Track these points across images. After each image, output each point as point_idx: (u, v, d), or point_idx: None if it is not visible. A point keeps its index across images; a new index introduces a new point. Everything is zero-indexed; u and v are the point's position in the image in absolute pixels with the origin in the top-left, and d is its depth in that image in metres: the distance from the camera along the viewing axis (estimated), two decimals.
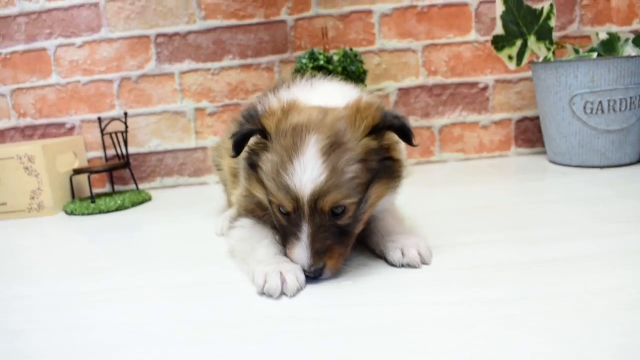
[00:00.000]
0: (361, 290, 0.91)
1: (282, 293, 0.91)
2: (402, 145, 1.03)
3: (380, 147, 0.97)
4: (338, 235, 0.95)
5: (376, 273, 0.98)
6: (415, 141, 0.99)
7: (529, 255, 0.99)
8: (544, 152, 1.93)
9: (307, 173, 0.89)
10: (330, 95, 1.04)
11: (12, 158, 1.80)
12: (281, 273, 0.92)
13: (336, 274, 0.97)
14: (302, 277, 0.93)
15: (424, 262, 0.99)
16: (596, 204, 1.30)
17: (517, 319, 0.75)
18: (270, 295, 0.90)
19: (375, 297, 0.88)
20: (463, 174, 1.83)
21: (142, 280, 1.09)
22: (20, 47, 2.06)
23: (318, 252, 0.93)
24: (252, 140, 1.01)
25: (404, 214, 1.19)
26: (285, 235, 0.98)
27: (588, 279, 0.87)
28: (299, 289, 0.92)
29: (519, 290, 0.84)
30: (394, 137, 1.00)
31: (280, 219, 0.98)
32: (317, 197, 0.90)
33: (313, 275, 0.94)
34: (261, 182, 0.99)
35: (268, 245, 1.02)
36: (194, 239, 1.35)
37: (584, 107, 1.66)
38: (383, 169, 0.97)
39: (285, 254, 0.99)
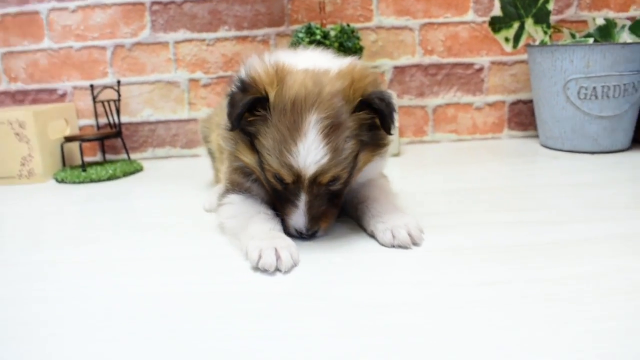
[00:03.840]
0: (352, 268, 0.92)
1: (277, 269, 0.92)
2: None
3: (370, 119, 1.00)
4: (330, 199, 1.02)
5: (368, 252, 0.99)
6: (392, 131, 1.02)
7: (516, 239, 1.01)
8: (537, 136, 1.94)
9: (311, 156, 0.94)
10: (315, 59, 1.05)
11: (3, 123, 1.78)
12: (276, 249, 0.93)
13: (329, 231, 1.06)
14: (296, 254, 0.95)
15: (414, 243, 1.00)
16: (585, 190, 1.32)
17: (502, 302, 0.77)
18: (265, 271, 0.91)
19: (365, 276, 0.89)
20: (455, 155, 1.84)
21: (131, 252, 1.09)
22: (13, 9, 2.02)
23: (314, 217, 1.00)
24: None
25: (396, 192, 1.20)
26: (280, 200, 1.03)
27: (572, 264, 0.89)
28: (293, 266, 0.93)
29: (505, 274, 0.86)
30: None
31: (275, 184, 1.01)
32: (318, 174, 0.96)
33: (309, 237, 1.03)
34: (252, 148, 1.01)
35: (261, 221, 1.03)
36: (185, 212, 1.35)
37: (578, 93, 1.66)
38: (370, 138, 1.02)
39: (282, 222, 1.04)
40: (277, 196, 1.03)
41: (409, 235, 0.99)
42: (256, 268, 0.92)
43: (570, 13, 1.97)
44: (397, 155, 1.84)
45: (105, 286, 0.92)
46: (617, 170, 1.51)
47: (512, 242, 0.99)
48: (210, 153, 1.51)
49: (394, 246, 0.99)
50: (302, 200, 0.99)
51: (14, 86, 2.08)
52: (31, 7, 2.01)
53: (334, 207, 1.04)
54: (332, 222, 1.06)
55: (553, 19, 1.95)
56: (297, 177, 0.96)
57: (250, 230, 1.00)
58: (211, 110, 1.93)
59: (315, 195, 0.99)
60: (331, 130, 0.94)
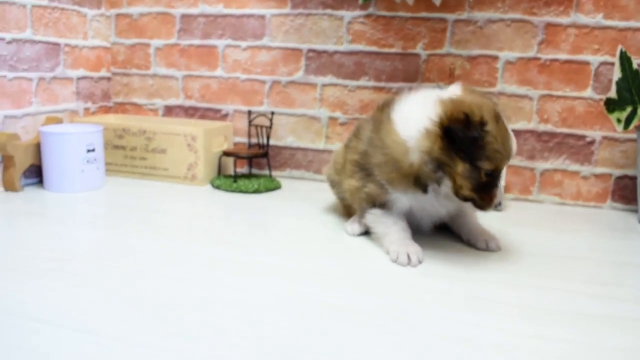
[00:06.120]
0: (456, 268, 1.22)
1: (408, 265, 1.41)
2: None
3: None
4: None
5: (464, 255, 1.28)
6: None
7: (568, 305, 1.21)
8: (637, 211, 2.07)
9: (514, 145, 1.41)
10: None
11: (180, 135, 2.25)
12: (408, 254, 1.42)
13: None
14: (421, 256, 1.44)
15: (498, 249, 1.55)
16: None
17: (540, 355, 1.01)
18: (399, 265, 1.42)
19: (459, 274, 1.18)
20: (554, 218, 2.02)
21: (265, 258, 1.44)
22: (196, 41, 2.50)
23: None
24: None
25: None
26: (480, 189, 1.39)
27: (620, 336, 1.08)
28: (420, 263, 1.42)
29: (547, 334, 1.08)
30: None
31: (482, 177, 1.37)
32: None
33: (495, 208, 1.51)
34: (461, 159, 1.35)
35: (398, 230, 1.51)
36: (316, 231, 1.68)
37: None
38: None
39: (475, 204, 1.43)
40: (479, 188, 1.38)
41: (496, 245, 1.55)
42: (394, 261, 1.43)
43: None
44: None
45: (241, 284, 1.26)
46: None
47: (566, 308, 1.20)
48: (340, 197, 1.85)
49: (486, 249, 1.55)
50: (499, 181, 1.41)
51: (188, 102, 2.56)
52: (211, 42, 2.47)
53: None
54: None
55: None
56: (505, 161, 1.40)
57: (391, 237, 1.49)
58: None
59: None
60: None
